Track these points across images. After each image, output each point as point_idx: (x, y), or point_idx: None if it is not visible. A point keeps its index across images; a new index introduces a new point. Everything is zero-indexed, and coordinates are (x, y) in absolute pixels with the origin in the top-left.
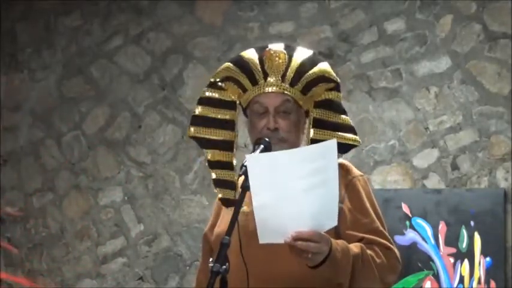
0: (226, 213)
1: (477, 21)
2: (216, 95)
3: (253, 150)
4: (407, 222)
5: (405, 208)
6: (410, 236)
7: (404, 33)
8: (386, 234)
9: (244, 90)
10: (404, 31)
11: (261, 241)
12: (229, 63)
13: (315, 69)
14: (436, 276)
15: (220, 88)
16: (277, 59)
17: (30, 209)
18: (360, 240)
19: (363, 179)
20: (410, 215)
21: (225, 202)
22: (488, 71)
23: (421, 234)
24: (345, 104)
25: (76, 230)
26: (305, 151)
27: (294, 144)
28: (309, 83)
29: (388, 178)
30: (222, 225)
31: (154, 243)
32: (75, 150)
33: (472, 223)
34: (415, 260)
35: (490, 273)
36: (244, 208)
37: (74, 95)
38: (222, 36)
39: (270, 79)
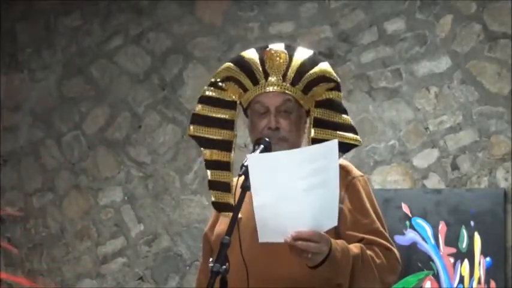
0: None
1: (477, 21)
2: (216, 94)
3: (253, 150)
4: (407, 222)
5: (405, 208)
6: (410, 236)
7: (404, 33)
8: (387, 234)
9: (245, 90)
10: (404, 31)
11: (261, 240)
12: (229, 63)
13: (316, 69)
14: (436, 276)
15: (221, 88)
16: (278, 58)
17: (30, 209)
18: (360, 240)
19: (363, 180)
20: (410, 215)
21: (218, 206)
22: (488, 71)
23: (421, 234)
24: (345, 104)
25: (76, 230)
26: (306, 151)
27: (295, 143)
28: (309, 83)
29: (388, 178)
30: (222, 225)
31: (154, 243)
32: (75, 150)
33: (472, 223)
34: (415, 260)
35: (490, 273)
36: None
37: (74, 95)
38: (222, 36)
39: (271, 79)
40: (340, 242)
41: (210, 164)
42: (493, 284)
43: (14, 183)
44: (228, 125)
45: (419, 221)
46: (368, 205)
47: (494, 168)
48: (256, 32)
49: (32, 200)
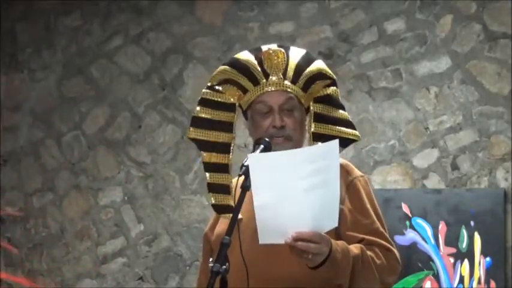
0: None
1: (477, 21)
2: (214, 97)
3: (253, 150)
4: (407, 222)
5: (405, 208)
6: (410, 236)
7: (404, 33)
8: (387, 235)
9: (245, 91)
10: (404, 31)
11: (261, 241)
12: (225, 66)
13: (312, 67)
14: (436, 276)
15: (218, 91)
16: (276, 58)
17: (30, 209)
18: (360, 241)
19: (364, 180)
20: (410, 215)
21: (218, 208)
22: (488, 71)
23: (421, 234)
24: (345, 104)
25: (76, 230)
26: (307, 151)
27: (298, 142)
28: (308, 80)
29: (388, 178)
30: (223, 225)
31: (154, 243)
32: (75, 150)
33: (472, 223)
34: (415, 260)
35: (490, 273)
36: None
37: (74, 95)
38: (222, 36)
39: (272, 78)
40: (340, 242)
41: (209, 167)
42: (493, 284)
43: (14, 183)
44: (227, 127)
45: (419, 221)
46: (368, 205)
47: (494, 168)
48: (256, 32)
49: (32, 200)
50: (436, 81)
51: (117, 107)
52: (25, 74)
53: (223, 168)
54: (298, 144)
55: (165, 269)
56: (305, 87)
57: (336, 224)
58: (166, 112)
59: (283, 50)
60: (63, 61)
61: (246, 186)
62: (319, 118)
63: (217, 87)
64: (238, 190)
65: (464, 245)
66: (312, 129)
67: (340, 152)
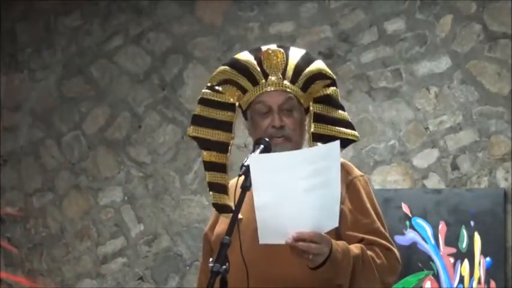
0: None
1: (477, 21)
2: (214, 97)
3: (253, 150)
4: (407, 222)
5: (405, 208)
6: (410, 236)
7: (404, 33)
8: (387, 234)
9: (244, 91)
10: (404, 31)
11: (261, 241)
12: (225, 67)
13: (312, 67)
14: (436, 276)
15: (218, 91)
16: (275, 58)
17: (30, 209)
18: (361, 241)
19: (364, 179)
20: (410, 215)
21: (217, 207)
22: (488, 71)
23: (421, 234)
24: (345, 104)
25: (76, 230)
26: (308, 153)
27: (298, 143)
28: (307, 80)
29: (388, 178)
30: (222, 225)
31: (154, 243)
32: (75, 150)
33: (472, 223)
34: (415, 260)
35: (490, 273)
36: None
37: (74, 95)
38: (222, 36)
39: (271, 78)
40: (340, 242)
41: (208, 166)
42: (493, 284)
43: (14, 183)
44: (227, 126)
45: (419, 221)
46: (368, 205)
47: (494, 168)
48: (256, 32)
49: (32, 200)
50: (436, 81)
51: (117, 107)
52: (25, 74)
53: (221, 168)
54: (297, 145)
55: (165, 269)
56: (304, 87)
57: (337, 224)
58: (166, 112)
59: (282, 50)
60: (63, 61)
61: (246, 186)
62: (318, 118)
63: (217, 88)
64: (239, 190)
65: (464, 245)
66: (312, 130)
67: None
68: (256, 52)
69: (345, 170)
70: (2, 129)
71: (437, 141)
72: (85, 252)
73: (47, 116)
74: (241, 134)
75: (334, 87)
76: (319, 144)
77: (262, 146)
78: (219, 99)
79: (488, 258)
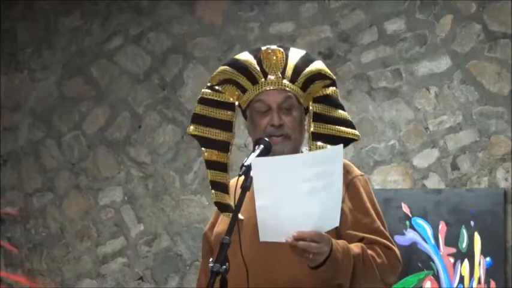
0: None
1: (477, 21)
2: (214, 97)
3: (253, 150)
4: (407, 222)
5: (405, 208)
6: (410, 236)
7: (404, 33)
8: (387, 233)
9: (244, 91)
10: (404, 31)
11: (262, 239)
12: (225, 66)
13: (311, 67)
14: (436, 276)
15: (218, 91)
16: (274, 57)
17: (30, 209)
18: (361, 240)
19: (363, 179)
20: (410, 215)
21: (219, 206)
22: (488, 71)
23: (421, 234)
24: (345, 104)
25: (76, 230)
26: (311, 156)
27: (298, 142)
28: (307, 80)
29: (388, 178)
30: (222, 224)
31: (154, 243)
32: (75, 150)
33: (472, 223)
34: (415, 260)
35: (490, 273)
36: (239, 216)
37: (74, 95)
38: (222, 36)
39: (271, 77)
40: (341, 242)
41: (210, 164)
42: (493, 284)
43: (14, 183)
44: (227, 126)
45: (419, 221)
46: (368, 204)
47: (494, 168)
48: (256, 32)
49: (32, 200)
50: (436, 81)
51: (117, 107)
52: (25, 74)
53: (222, 167)
54: (297, 144)
55: (165, 269)
56: (304, 87)
57: (337, 224)
58: (166, 112)
59: (282, 50)
60: (63, 61)
61: (245, 186)
62: (318, 118)
63: (216, 87)
64: (239, 190)
65: (464, 245)
66: (312, 129)
67: None
68: (256, 52)
69: (344, 170)
70: (2, 129)
71: (437, 141)
72: (85, 252)
73: (47, 116)
74: (241, 134)
75: (334, 88)
76: (319, 144)
77: (262, 146)
78: (218, 99)
79: (488, 258)
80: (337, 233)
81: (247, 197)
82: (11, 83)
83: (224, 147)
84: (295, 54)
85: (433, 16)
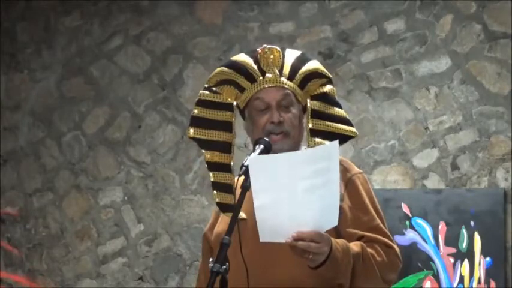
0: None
1: (477, 21)
2: (212, 98)
3: (253, 150)
4: (407, 222)
5: (405, 208)
6: (410, 236)
7: (404, 33)
8: (387, 231)
9: (242, 90)
10: (404, 31)
11: (262, 240)
12: (222, 68)
13: (308, 66)
14: (436, 276)
15: (216, 92)
16: (272, 56)
17: (30, 209)
18: (361, 238)
19: (362, 177)
20: (410, 215)
21: (222, 207)
22: (488, 71)
23: (421, 234)
24: (345, 104)
25: (76, 230)
26: (307, 153)
27: (297, 139)
28: (304, 78)
29: (388, 178)
30: (222, 224)
31: (155, 243)
32: (75, 150)
33: (472, 223)
34: (415, 260)
35: (490, 273)
36: (241, 214)
37: (74, 95)
38: (222, 36)
39: (269, 75)
40: (340, 241)
41: (212, 166)
42: (493, 284)
43: (14, 183)
44: (226, 126)
45: (419, 221)
46: (367, 202)
47: (494, 168)
48: (256, 32)
49: (32, 200)
50: (436, 81)
51: (117, 107)
52: (25, 74)
53: (226, 168)
54: (296, 141)
55: (165, 269)
56: (301, 85)
57: (336, 223)
58: (166, 112)
59: (278, 49)
60: (63, 61)
61: (245, 186)
62: (316, 115)
63: (214, 89)
64: (239, 190)
65: (464, 245)
66: (310, 126)
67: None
68: (252, 53)
69: (343, 168)
70: (2, 129)
71: (437, 141)
72: (85, 252)
73: (47, 116)
74: (241, 134)
75: (331, 86)
76: (317, 140)
77: (262, 146)
78: (217, 100)
79: (488, 258)
80: (336, 231)
81: (248, 196)
82: (11, 83)
83: (226, 147)
84: (292, 54)
85: (433, 16)
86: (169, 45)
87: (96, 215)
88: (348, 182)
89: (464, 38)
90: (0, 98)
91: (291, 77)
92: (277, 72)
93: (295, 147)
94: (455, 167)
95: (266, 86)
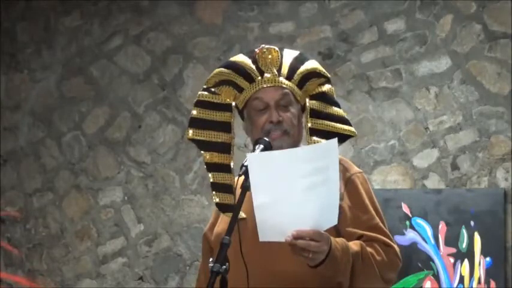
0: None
1: (477, 21)
2: (210, 99)
3: (253, 150)
4: (407, 222)
5: (405, 208)
6: (410, 236)
7: (404, 33)
8: (386, 230)
9: (240, 90)
10: (404, 31)
11: (261, 239)
12: (220, 68)
13: (306, 65)
14: (436, 276)
15: (214, 93)
16: (270, 56)
17: (30, 209)
18: (360, 237)
19: (362, 176)
20: (410, 215)
21: (222, 207)
22: (488, 71)
23: (421, 234)
24: (345, 104)
25: (76, 230)
26: (306, 150)
27: (296, 138)
28: (302, 78)
29: (388, 178)
30: (222, 224)
31: (155, 243)
32: (75, 150)
33: (472, 223)
34: (415, 260)
35: (490, 273)
36: (241, 214)
37: (74, 95)
38: (222, 36)
39: (267, 75)
40: (339, 240)
41: (211, 167)
42: (493, 284)
43: (14, 183)
44: (226, 127)
45: (419, 221)
46: (367, 201)
47: (494, 168)
48: (256, 32)
49: (32, 200)
50: (436, 81)
51: (117, 107)
52: (25, 74)
53: (226, 168)
54: (296, 140)
55: (165, 269)
56: (300, 85)
57: (336, 222)
58: (166, 112)
59: (276, 48)
60: (63, 61)
61: (245, 186)
62: (315, 114)
63: (213, 89)
64: (239, 190)
65: (464, 245)
66: (309, 125)
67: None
68: (250, 53)
69: (343, 167)
70: (2, 129)
71: (437, 141)
72: (85, 252)
73: (47, 116)
74: (241, 134)
75: (329, 86)
76: (316, 139)
77: (262, 146)
78: (215, 100)
79: (488, 258)
80: (336, 230)
81: (248, 196)
82: (11, 83)
83: (225, 148)
84: (290, 54)
85: (433, 16)
86: (169, 45)
87: (96, 215)
88: (348, 182)
89: (464, 38)
90: (0, 98)
91: (289, 77)
92: (276, 72)
93: (294, 146)
94: (455, 167)
95: (264, 86)
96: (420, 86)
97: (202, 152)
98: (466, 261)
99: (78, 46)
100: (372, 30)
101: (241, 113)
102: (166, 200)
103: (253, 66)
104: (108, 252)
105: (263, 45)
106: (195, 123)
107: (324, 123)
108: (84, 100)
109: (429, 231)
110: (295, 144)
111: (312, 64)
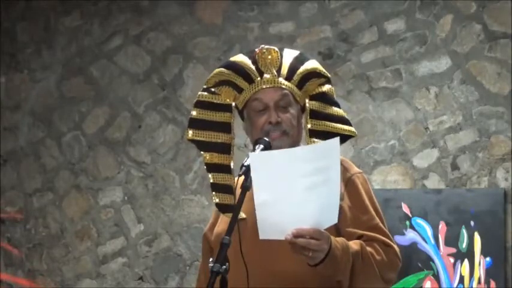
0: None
1: (477, 21)
2: (210, 99)
3: (253, 150)
4: (407, 222)
5: (405, 208)
6: (410, 236)
7: (404, 33)
8: (386, 230)
9: (240, 91)
10: (404, 31)
11: (261, 237)
12: (220, 68)
13: (306, 65)
14: (436, 276)
15: (214, 93)
16: (269, 56)
17: (30, 209)
18: (360, 237)
19: (362, 176)
20: (410, 215)
21: (221, 207)
22: (488, 71)
23: (421, 234)
24: (345, 104)
25: (76, 230)
26: (307, 150)
27: (296, 139)
28: (302, 78)
29: (388, 178)
30: (222, 224)
31: (155, 243)
32: (75, 150)
33: (472, 223)
34: (415, 260)
35: (490, 273)
36: (241, 214)
37: (74, 95)
38: (222, 36)
39: (266, 75)
40: (340, 239)
41: (211, 167)
42: (493, 284)
43: (14, 183)
44: (225, 127)
45: (419, 221)
46: (367, 201)
47: (494, 168)
48: (256, 32)
49: (32, 200)
50: (436, 81)
51: (117, 107)
52: (25, 74)
53: (225, 169)
54: (295, 140)
55: (165, 269)
56: (300, 85)
57: (336, 221)
58: (166, 112)
59: (276, 49)
60: (63, 61)
61: (246, 186)
62: (314, 115)
63: (212, 90)
64: (239, 190)
65: (464, 245)
66: (309, 126)
67: None
68: (250, 53)
69: (343, 167)
70: (2, 129)
71: (437, 141)
72: (85, 252)
73: (47, 116)
74: (241, 134)
75: (329, 86)
76: (316, 140)
77: (262, 146)
78: (215, 101)
79: (488, 258)
80: (336, 230)
81: (248, 196)
82: (11, 83)
83: (225, 149)
84: (290, 54)
85: (433, 16)
86: (169, 45)
87: (96, 215)
88: (348, 182)
89: (464, 38)
90: (0, 98)
91: (289, 77)
92: (275, 73)
93: (293, 146)
94: (455, 167)
95: (264, 87)
96: (420, 86)
97: (202, 152)
98: (466, 261)
99: (78, 46)
100: (372, 30)
101: (241, 113)
102: (166, 200)
103: (253, 67)
104: (108, 252)
105: (263, 46)
106: (194, 123)
107: (323, 124)
108: (84, 100)
109: (429, 231)
110: (294, 144)
111: (312, 64)
